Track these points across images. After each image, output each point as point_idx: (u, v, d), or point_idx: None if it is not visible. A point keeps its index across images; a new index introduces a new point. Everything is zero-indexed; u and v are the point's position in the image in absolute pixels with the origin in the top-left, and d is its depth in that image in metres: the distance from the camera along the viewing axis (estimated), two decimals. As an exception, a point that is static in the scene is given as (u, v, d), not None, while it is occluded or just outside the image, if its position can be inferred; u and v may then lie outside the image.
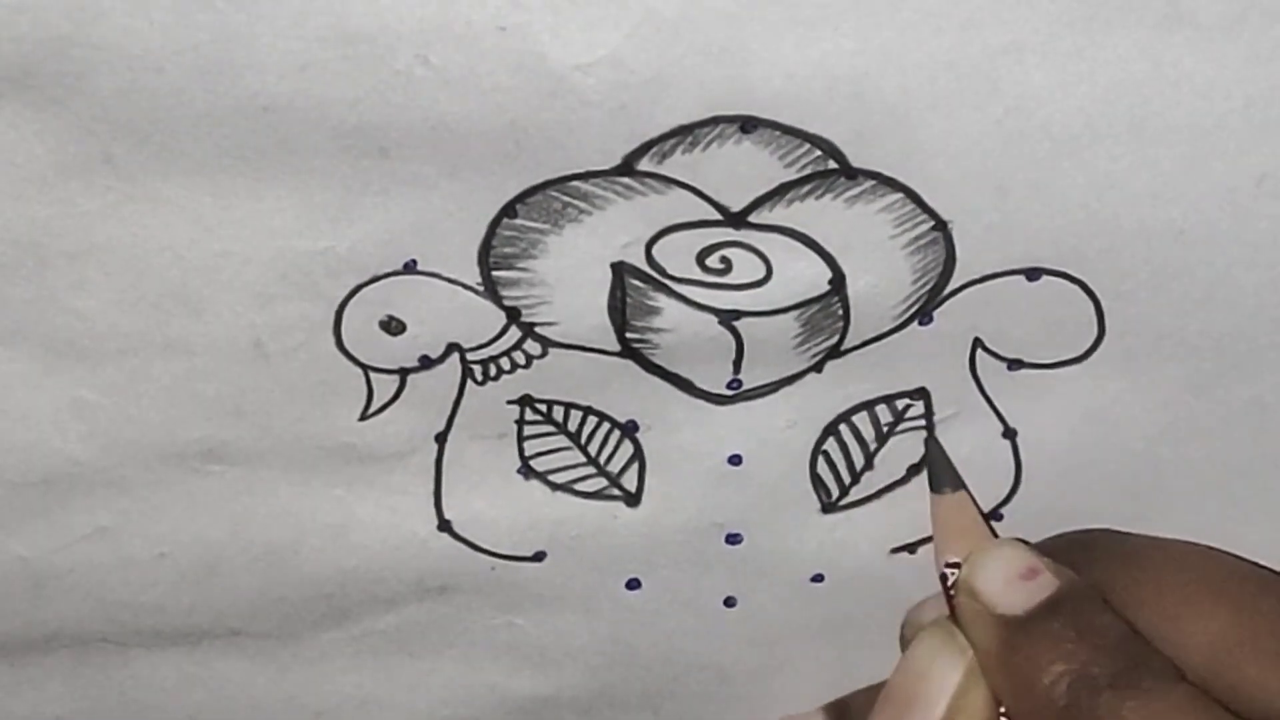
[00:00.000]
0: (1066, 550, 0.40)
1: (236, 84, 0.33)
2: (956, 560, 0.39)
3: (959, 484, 0.40)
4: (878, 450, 0.41)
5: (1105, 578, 0.38)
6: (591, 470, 0.41)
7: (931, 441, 0.40)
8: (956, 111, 0.34)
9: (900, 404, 0.40)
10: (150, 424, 0.39)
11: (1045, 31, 0.34)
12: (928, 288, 0.38)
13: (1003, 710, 0.38)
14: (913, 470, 0.41)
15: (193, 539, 0.41)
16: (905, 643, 0.42)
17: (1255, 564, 0.40)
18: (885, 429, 0.41)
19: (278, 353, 0.38)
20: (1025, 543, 0.40)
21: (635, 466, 0.41)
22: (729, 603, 0.43)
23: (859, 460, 0.41)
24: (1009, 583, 0.38)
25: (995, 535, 0.41)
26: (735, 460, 0.41)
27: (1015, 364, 0.40)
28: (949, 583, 0.40)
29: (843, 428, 0.41)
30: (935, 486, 0.40)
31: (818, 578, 0.43)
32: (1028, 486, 0.41)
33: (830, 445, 0.41)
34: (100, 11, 0.32)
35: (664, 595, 0.43)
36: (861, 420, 0.41)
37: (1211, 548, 0.41)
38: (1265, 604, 0.38)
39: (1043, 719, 0.36)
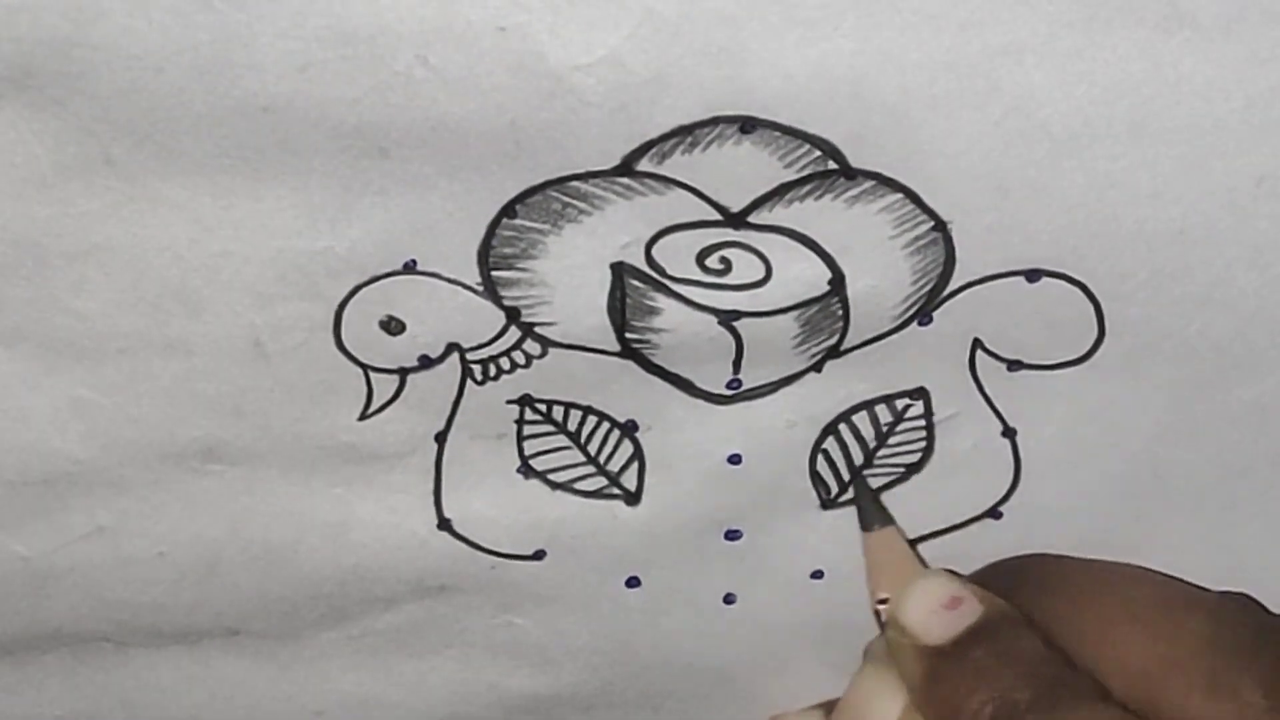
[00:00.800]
0: (996, 577, 0.40)
1: (236, 84, 0.33)
2: (885, 596, 0.40)
3: (887, 520, 0.41)
4: (877, 449, 0.41)
5: (1034, 604, 0.39)
6: (591, 470, 0.41)
7: (859, 480, 0.41)
8: (956, 112, 0.34)
9: (900, 404, 0.40)
10: (150, 423, 0.39)
11: (1045, 32, 0.34)
12: (927, 288, 0.38)
13: None
14: (912, 469, 0.41)
15: (192, 538, 0.41)
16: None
17: (1186, 583, 0.41)
18: (885, 429, 0.41)
19: (277, 352, 0.38)
20: (954, 573, 0.40)
21: (635, 466, 0.41)
22: (728, 600, 0.43)
23: (859, 459, 0.41)
24: (933, 613, 0.38)
25: (926, 569, 0.41)
26: (735, 459, 0.41)
27: (1015, 365, 0.40)
28: (881, 618, 0.40)
29: (842, 427, 0.41)
30: (865, 524, 0.41)
31: (817, 574, 0.43)
32: (1026, 485, 0.41)
33: (830, 444, 0.41)
34: (100, 12, 0.32)
35: (663, 593, 0.43)
36: (861, 420, 0.41)
37: (1143, 569, 0.41)
38: (1189, 627, 0.38)
39: None
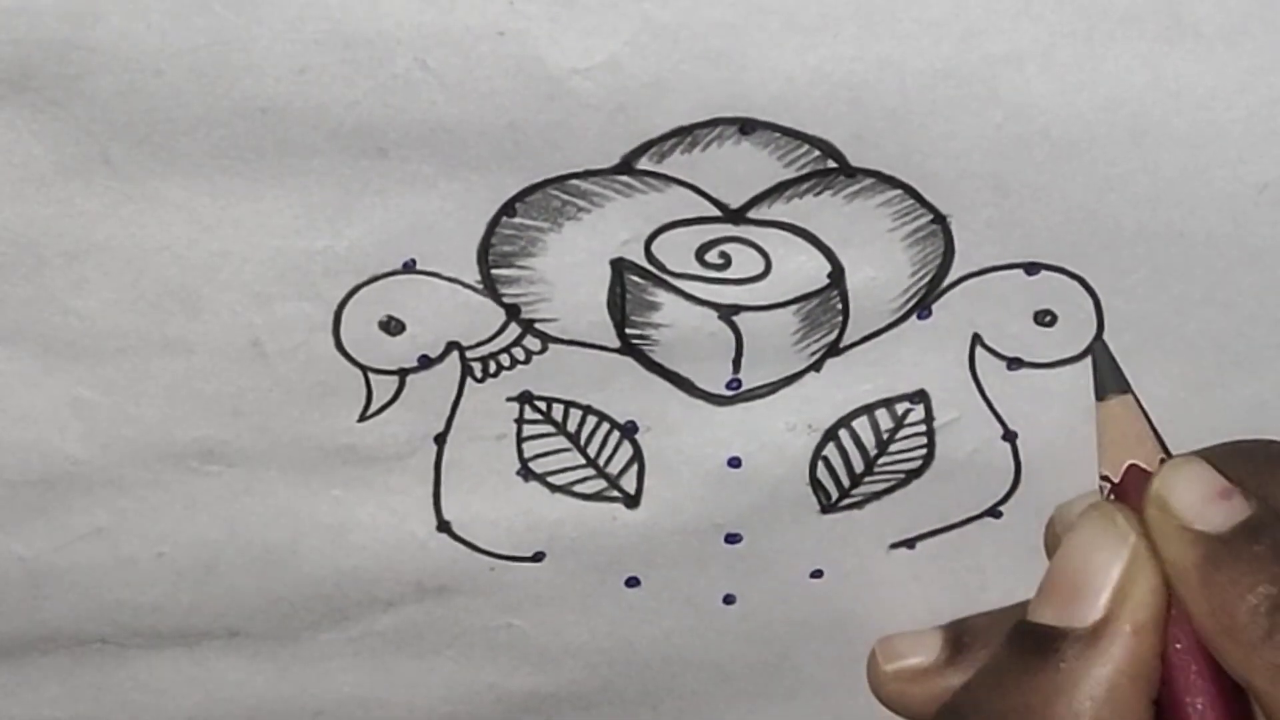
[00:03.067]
0: (1238, 459, 0.39)
1: (235, 86, 0.34)
2: (1107, 474, 0.39)
3: (1125, 387, 0.39)
4: (878, 456, 0.41)
5: (1275, 489, 0.38)
6: (591, 472, 0.41)
7: (1098, 344, 0.39)
8: (956, 117, 0.34)
9: (900, 408, 0.40)
10: (149, 423, 0.39)
11: (1046, 41, 0.34)
12: (926, 280, 0.38)
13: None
14: (913, 475, 0.41)
15: (191, 539, 0.41)
16: (1052, 542, 0.41)
17: None
18: (886, 435, 0.41)
19: (276, 353, 0.38)
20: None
21: (634, 468, 0.41)
22: (728, 600, 0.43)
23: (859, 465, 0.41)
24: (1208, 500, 0.37)
25: (1165, 446, 0.40)
26: (734, 463, 0.41)
27: (1014, 363, 0.40)
28: (1107, 492, 0.39)
29: (842, 433, 0.41)
30: (1100, 391, 0.39)
31: (817, 573, 0.43)
32: (1027, 486, 0.41)
33: (830, 450, 0.41)
34: (99, 14, 0.33)
35: (663, 593, 0.43)
36: (861, 426, 0.41)
37: None
38: None
39: (1241, 638, 0.36)
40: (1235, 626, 0.36)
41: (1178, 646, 0.37)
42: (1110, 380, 0.39)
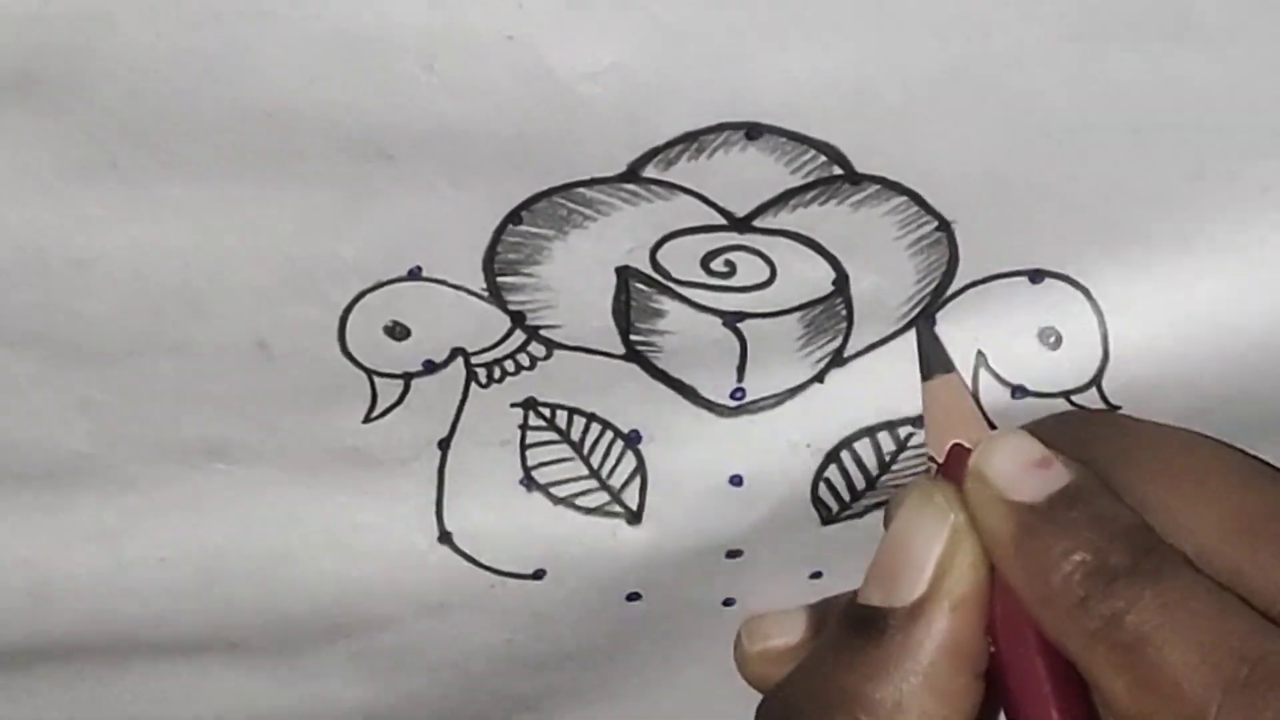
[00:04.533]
0: (1066, 429, 0.39)
1: (241, 90, 0.34)
2: (956, 443, 0.39)
3: (949, 366, 0.39)
4: (879, 475, 0.41)
5: (1107, 460, 0.38)
6: (594, 484, 0.41)
7: (921, 323, 0.39)
8: (960, 117, 0.34)
9: (902, 432, 0.40)
10: (155, 421, 0.39)
11: (1050, 41, 0.34)
12: (931, 288, 0.38)
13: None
14: (913, 489, 0.41)
15: (194, 543, 0.41)
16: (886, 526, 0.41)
17: (1259, 458, 0.40)
18: (888, 456, 0.41)
19: (282, 356, 0.38)
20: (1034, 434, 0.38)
21: (637, 481, 0.41)
22: (728, 603, 0.43)
23: (860, 483, 0.41)
24: (1025, 470, 0.37)
25: (990, 422, 0.40)
26: (736, 480, 0.41)
27: (1019, 391, 0.39)
28: (934, 473, 0.39)
29: (844, 454, 0.41)
30: (925, 371, 0.39)
31: (816, 575, 0.43)
32: None
33: (832, 471, 0.41)
34: (105, 19, 0.33)
35: (663, 604, 0.43)
36: (864, 447, 0.40)
37: (1209, 437, 0.39)
38: (1272, 490, 0.37)
39: (1057, 605, 0.35)
40: (1051, 595, 0.35)
41: (1006, 621, 0.37)
42: (935, 360, 0.39)
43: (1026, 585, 0.36)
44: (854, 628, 0.37)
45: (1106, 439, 0.38)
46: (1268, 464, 0.39)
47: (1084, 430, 0.39)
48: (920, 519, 0.38)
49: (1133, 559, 0.35)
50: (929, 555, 0.37)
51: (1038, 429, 0.38)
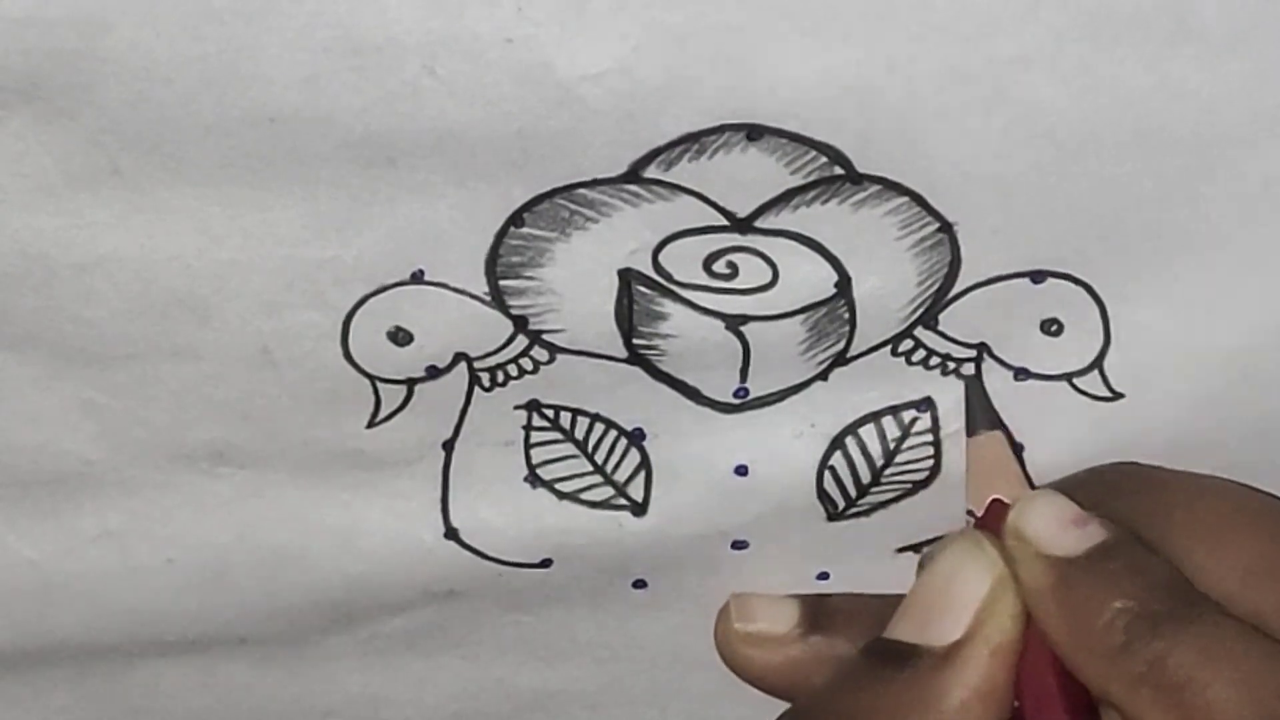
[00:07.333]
0: (1092, 486, 0.39)
1: (243, 95, 0.34)
2: (996, 498, 0.39)
3: (995, 423, 0.40)
4: (884, 467, 0.41)
5: (1133, 511, 0.38)
6: (598, 479, 0.41)
7: (970, 379, 0.40)
8: (962, 119, 0.34)
9: (907, 416, 0.40)
10: (160, 425, 0.39)
11: (1052, 43, 0.34)
12: (933, 290, 0.38)
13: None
14: (920, 486, 0.41)
15: (200, 544, 0.41)
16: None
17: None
18: (893, 444, 0.41)
19: (285, 360, 0.38)
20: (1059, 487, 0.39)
21: (642, 475, 0.41)
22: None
23: (865, 476, 0.41)
24: (1063, 527, 0.38)
25: (1029, 480, 0.40)
26: (742, 471, 0.41)
27: (1021, 373, 0.40)
28: (971, 527, 0.40)
29: (849, 441, 0.41)
30: (971, 428, 0.40)
31: (823, 575, 0.43)
32: None
33: (837, 459, 0.41)
34: (108, 24, 0.33)
35: (670, 595, 0.43)
36: (868, 434, 0.41)
37: (1235, 481, 0.40)
38: None
39: (1097, 655, 0.36)
40: (1092, 641, 0.36)
41: (1031, 670, 0.38)
42: (981, 417, 0.40)
43: (1067, 633, 0.37)
44: (883, 660, 0.38)
45: (1131, 492, 0.39)
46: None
47: (1109, 485, 0.39)
48: (966, 563, 0.38)
49: (1171, 605, 0.36)
50: (972, 600, 0.38)
51: (1067, 487, 0.39)
